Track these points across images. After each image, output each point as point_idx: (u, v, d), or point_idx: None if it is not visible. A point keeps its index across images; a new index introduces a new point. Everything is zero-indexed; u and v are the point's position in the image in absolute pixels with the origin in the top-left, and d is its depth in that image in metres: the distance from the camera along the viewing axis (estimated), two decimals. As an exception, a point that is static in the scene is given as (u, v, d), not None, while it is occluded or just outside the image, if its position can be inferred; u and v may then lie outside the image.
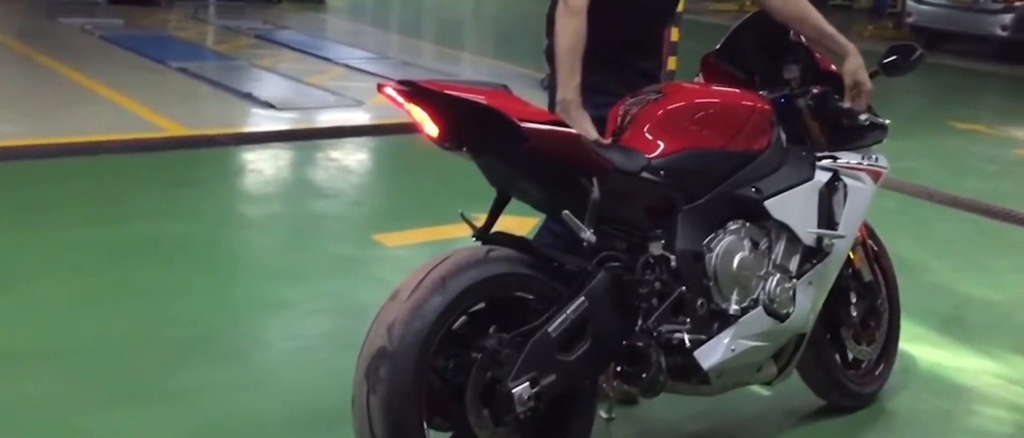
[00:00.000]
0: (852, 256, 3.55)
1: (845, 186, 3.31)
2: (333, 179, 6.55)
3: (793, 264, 3.16)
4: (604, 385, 2.90)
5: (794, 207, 3.15)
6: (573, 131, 2.70)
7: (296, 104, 8.43)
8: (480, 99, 2.53)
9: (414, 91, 2.56)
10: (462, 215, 2.81)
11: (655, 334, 2.83)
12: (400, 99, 2.57)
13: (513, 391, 2.53)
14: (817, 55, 3.45)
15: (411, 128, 2.68)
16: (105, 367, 3.64)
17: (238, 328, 4.12)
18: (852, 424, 3.66)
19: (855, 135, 3.42)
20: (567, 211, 2.65)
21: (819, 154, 3.32)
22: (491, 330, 2.62)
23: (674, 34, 7.70)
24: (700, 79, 3.50)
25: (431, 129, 2.60)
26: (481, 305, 2.65)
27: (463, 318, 2.62)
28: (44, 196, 5.58)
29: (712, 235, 3.01)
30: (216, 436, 3.29)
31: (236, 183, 6.44)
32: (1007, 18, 14.73)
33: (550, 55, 3.21)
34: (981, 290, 5.20)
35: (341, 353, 3.28)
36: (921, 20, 15.72)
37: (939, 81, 12.87)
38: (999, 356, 4.32)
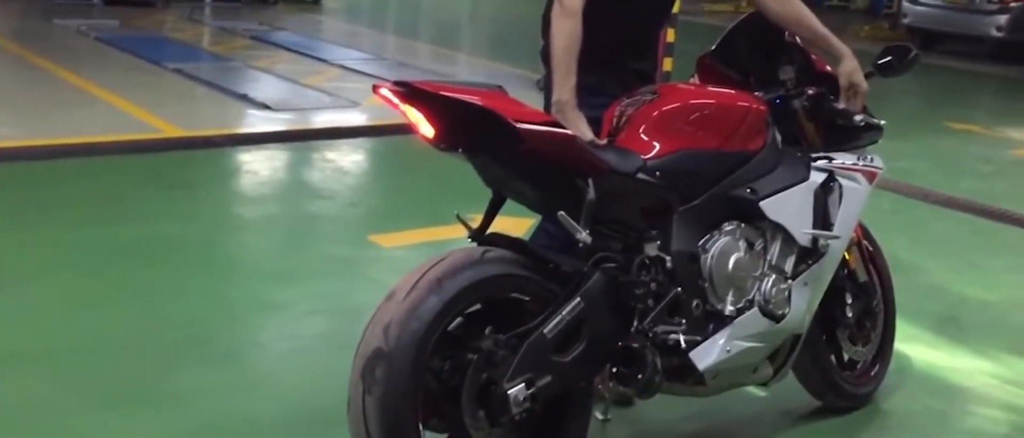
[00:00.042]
0: (847, 257, 3.55)
1: (840, 187, 3.31)
2: (329, 180, 6.55)
3: (789, 265, 3.16)
4: (600, 386, 2.90)
5: (789, 208, 3.16)
6: (569, 132, 2.70)
7: (292, 105, 8.43)
8: (476, 100, 2.53)
9: (410, 92, 2.56)
10: (458, 216, 2.81)
11: (651, 335, 2.84)
12: (395, 100, 2.57)
13: (509, 392, 2.54)
14: (812, 56, 3.46)
15: (407, 129, 2.68)
16: (101, 368, 3.64)
17: (234, 329, 4.11)
18: (848, 425, 3.66)
19: (850, 136, 3.42)
20: (563, 212, 2.65)
21: (814, 155, 3.33)
22: (487, 331, 2.62)
23: (670, 35, 7.71)
24: (695, 80, 3.50)
25: (427, 130, 2.60)
26: (477, 306, 2.65)
27: (459, 319, 2.62)
28: (40, 197, 5.58)
29: (708, 236, 3.01)
30: (212, 437, 3.28)
31: (232, 184, 6.44)
32: (1002, 19, 14.76)
33: (546, 56, 3.21)
34: (976, 290, 5.21)
35: (337, 354, 3.28)
36: (917, 21, 15.75)
37: (934, 82, 12.89)
38: (994, 356, 4.33)
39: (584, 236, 2.66)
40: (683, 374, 2.95)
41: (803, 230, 3.17)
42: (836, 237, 3.26)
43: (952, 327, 4.65)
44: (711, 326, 2.99)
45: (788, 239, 3.16)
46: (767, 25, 3.39)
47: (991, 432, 3.73)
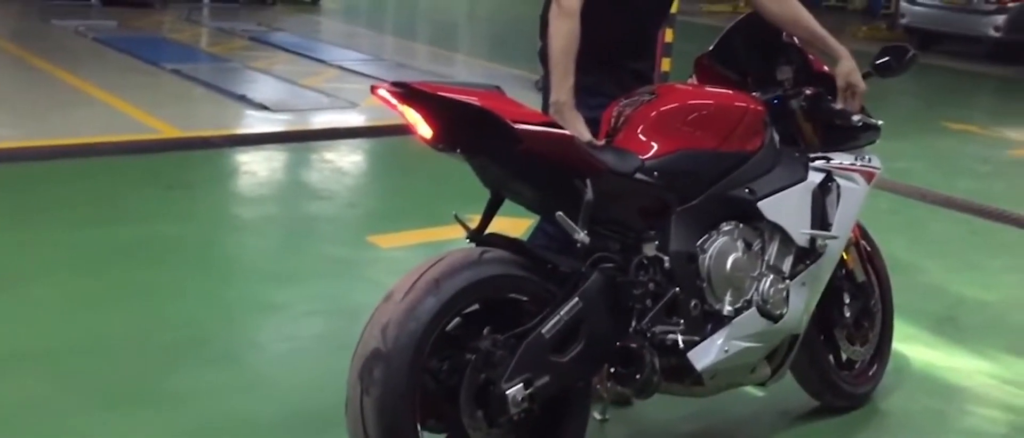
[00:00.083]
0: (845, 257, 3.55)
1: (838, 187, 3.31)
2: (327, 181, 6.54)
3: (786, 265, 3.16)
4: (598, 386, 2.90)
5: (787, 208, 3.16)
6: (566, 132, 2.70)
7: (290, 106, 8.42)
8: (474, 101, 2.53)
9: (408, 93, 2.56)
10: (456, 217, 2.81)
11: (649, 335, 2.84)
12: (393, 101, 2.57)
13: (507, 392, 2.54)
14: (810, 56, 3.46)
15: (405, 130, 2.68)
16: (100, 368, 3.64)
17: (232, 330, 4.11)
18: (846, 425, 3.66)
19: (848, 136, 3.43)
20: (561, 212, 2.65)
21: (812, 155, 3.33)
22: (485, 331, 2.62)
23: (668, 35, 7.72)
24: (693, 80, 3.50)
25: (425, 131, 2.60)
26: (475, 306, 2.65)
27: (457, 319, 2.62)
28: (38, 198, 5.57)
29: (705, 236, 3.01)
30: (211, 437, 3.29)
31: (230, 185, 6.43)
32: (1000, 19, 14.78)
33: (544, 57, 3.22)
34: (974, 290, 5.21)
35: (335, 355, 3.28)
36: (914, 21, 15.77)
37: (932, 82, 12.90)
38: (992, 356, 4.33)
39: (582, 236, 2.66)
40: (681, 374, 2.95)
41: (801, 230, 3.18)
42: (834, 237, 3.26)
43: (950, 327, 4.65)
44: (709, 326, 2.99)
45: (786, 239, 3.16)
46: (765, 25, 3.39)
47: (989, 432, 3.74)
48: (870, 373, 3.78)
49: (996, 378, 4.13)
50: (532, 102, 2.91)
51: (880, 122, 3.49)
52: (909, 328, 4.36)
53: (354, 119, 8.19)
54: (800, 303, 3.19)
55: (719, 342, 2.98)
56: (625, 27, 3.34)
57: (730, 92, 3.23)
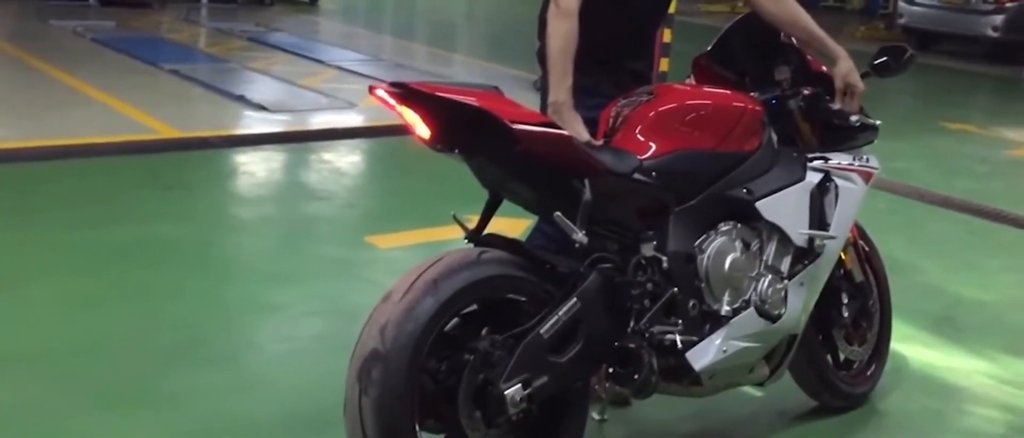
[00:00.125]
0: (843, 257, 3.55)
1: (836, 187, 3.31)
2: (326, 181, 6.54)
3: (784, 265, 3.17)
4: (596, 386, 2.90)
5: (785, 208, 3.16)
6: (565, 133, 2.70)
7: (289, 106, 8.42)
8: (472, 101, 2.53)
9: (406, 93, 2.56)
10: (454, 217, 2.81)
11: (647, 335, 2.84)
12: (392, 101, 2.57)
13: (505, 392, 2.54)
14: (808, 56, 3.46)
15: (403, 130, 2.68)
16: (98, 369, 3.64)
17: (230, 331, 4.11)
18: (844, 425, 3.67)
19: (846, 136, 3.43)
20: (559, 213, 2.65)
21: (810, 155, 3.33)
22: (483, 332, 2.62)
23: (666, 35, 7.72)
24: (691, 80, 3.50)
25: (423, 131, 2.60)
26: (473, 307, 2.65)
27: (455, 320, 2.62)
28: (36, 198, 5.57)
29: (704, 236, 3.01)
30: (209, 438, 3.29)
31: (228, 185, 6.43)
32: (998, 19, 14.80)
33: (542, 57, 3.22)
34: (972, 290, 5.22)
35: (333, 355, 3.28)
36: (912, 21, 15.78)
37: (930, 82, 12.91)
38: (990, 356, 4.34)
39: (580, 237, 2.66)
40: (679, 374, 2.96)
41: (799, 230, 3.18)
42: (832, 237, 3.26)
43: (948, 327, 4.65)
44: (707, 326, 2.99)
45: (784, 239, 3.16)
46: (763, 26, 3.39)
47: (987, 432, 3.74)
48: (868, 373, 3.79)
49: (994, 378, 4.13)
50: (530, 102, 2.91)
51: (878, 122, 3.50)
52: (907, 328, 4.36)
53: (352, 119, 8.19)
54: (798, 303, 3.19)
55: (717, 342, 2.98)
56: (623, 27, 3.34)
57: (728, 92, 3.23)
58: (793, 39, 3.44)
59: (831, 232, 3.26)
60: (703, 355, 2.95)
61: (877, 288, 3.79)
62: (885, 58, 3.47)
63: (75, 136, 6.89)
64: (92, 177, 6.11)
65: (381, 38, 14.28)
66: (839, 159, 3.37)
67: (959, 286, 5.27)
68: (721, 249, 3.02)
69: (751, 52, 3.46)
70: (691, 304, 2.95)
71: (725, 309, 3.02)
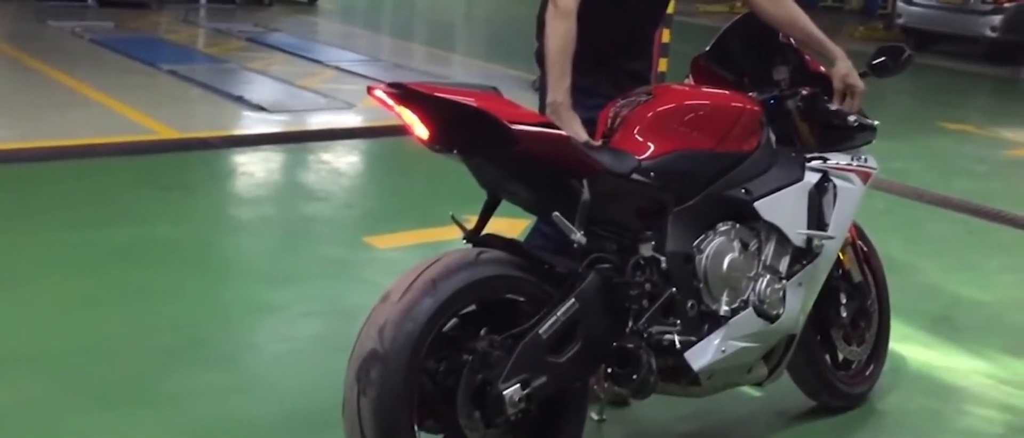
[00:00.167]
0: (842, 257, 3.56)
1: (834, 187, 3.31)
2: (324, 182, 6.54)
3: (783, 265, 3.17)
4: (595, 387, 2.90)
5: (784, 208, 3.16)
6: (563, 133, 2.70)
7: (287, 107, 8.42)
8: (470, 101, 2.53)
9: (404, 93, 2.56)
10: (453, 217, 2.81)
11: (645, 335, 2.84)
12: (390, 102, 2.58)
13: (504, 393, 2.54)
14: (806, 56, 3.46)
15: (402, 130, 2.68)
16: (97, 370, 3.64)
17: (229, 331, 4.11)
18: (842, 424, 3.67)
19: (844, 136, 3.43)
20: (557, 213, 2.65)
21: (809, 155, 3.33)
22: (482, 332, 2.62)
23: (665, 36, 7.72)
24: (690, 81, 3.51)
25: (421, 131, 2.60)
26: (472, 307, 2.66)
27: (454, 320, 2.62)
28: (35, 199, 5.57)
29: (702, 236, 3.01)
30: (207, 439, 3.29)
31: (227, 186, 6.43)
32: (996, 19, 14.78)
33: (540, 57, 3.22)
34: (971, 290, 5.22)
35: (332, 356, 3.28)
36: (911, 21, 15.78)
37: (929, 82, 12.91)
38: (989, 356, 4.34)
39: (579, 237, 2.66)
40: (678, 374, 2.96)
41: (797, 230, 3.18)
42: (830, 237, 3.26)
43: (947, 327, 4.66)
44: (706, 326, 2.99)
45: (782, 239, 3.16)
46: (761, 26, 3.39)
47: (986, 432, 3.74)
48: (867, 373, 3.79)
49: (992, 378, 4.13)
50: (529, 103, 2.92)
51: (876, 122, 3.50)
52: (906, 328, 4.37)
53: (351, 120, 8.19)
54: (797, 303, 3.19)
55: (716, 342, 2.99)
56: (621, 28, 3.34)
57: (727, 92, 3.23)
58: (791, 40, 3.44)
59: (829, 232, 3.26)
60: (701, 355, 2.95)
61: (875, 288, 3.79)
62: (883, 58, 3.48)
63: (74, 137, 6.88)
64: (91, 178, 6.11)
65: (379, 38, 14.28)
66: (837, 159, 3.38)
67: (957, 286, 5.27)
68: (719, 249, 3.02)
69: (749, 52, 3.46)
70: (689, 304, 2.95)
71: (723, 309, 3.03)
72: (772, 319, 3.10)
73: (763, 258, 3.13)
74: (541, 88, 3.28)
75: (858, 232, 3.73)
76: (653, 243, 2.90)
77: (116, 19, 12.61)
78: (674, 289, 2.91)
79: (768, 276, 3.11)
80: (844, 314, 3.60)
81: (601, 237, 2.88)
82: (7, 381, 3.52)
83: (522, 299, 2.69)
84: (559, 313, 2.65)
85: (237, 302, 4.40)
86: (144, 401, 3.45)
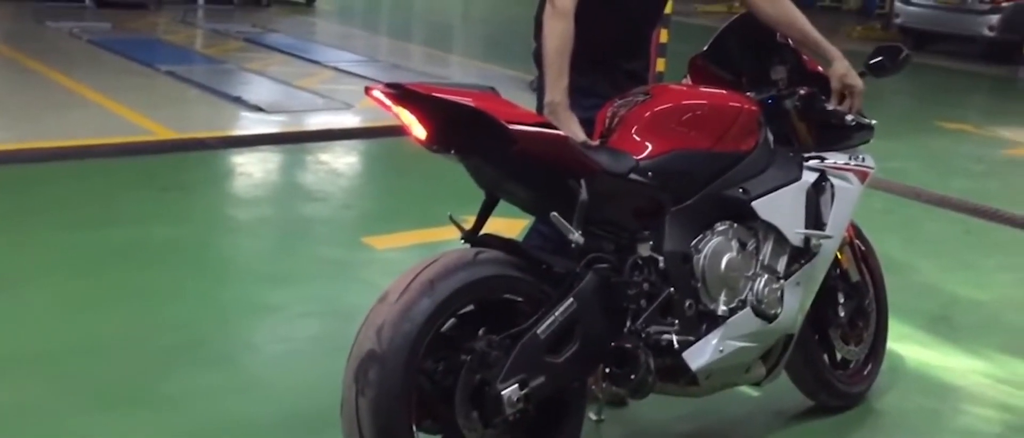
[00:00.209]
0: (840, 256, 3.56)
1: (832, 186, 3.32)
2: (322, 182, 6.54)
3: (781, 265, 3.17)
4: (593, 387, 2.90)
5: (782, 208, 3.16)
6: (561, 133, 2.71)
7: (285, 107, 8.42)
8: (468, 101, 2.54)
9: (402, 94, 2.56)
10: (451, 218, 2.81)
11: (643, 335, 2.84)
12: (388, 102, 2.58)
13: (502, 393, 2.54)
14: (804, 56, 3.47)
15: (400, 131, 2.68)
16: (96, 370, 3.64)
17: (227, 332, 4.11)
18: (840, 424, 3.67)
19: (842, 135, 3.43)
20: (555, 213, 2.65)
21: (806, 155, 3.33)
22: (480, 332, 2.62)
23: (663, 36, 7.73)
24: (688, 80, 3.51)
25: (419, 132, 2.60)
26: (470, 307, 2.66)
27: (452, 320, 2.62)
28: (33, 200, 5.57)
29: (700, 236, 3.02)
30: (206, 440, 3.29)
31: (225, 187, 6.43)
32: (994, 18, 14.80)
33: (538, 58, 3.22)
34: (969, 290, 5.22)
35: (330, 356, 3.28)
36: (909, 21, 15.79)
37: (926, 81, 12.92)
38: (987, 355, 4.34)
39: (577, 237, 2.66)
40: (676, 374, 2.96)
41: (795, 230, 3.18)
42: (828, 237, 3.27)
43: (945, 326, 4.66)
44: (704, 326, 3.00)
45: (780, 239, 3.16)
46: (759, 26, 3.39)
47: (984, 431, 3.74)
48: (865, 372, 3.79)
49: (990, 377, 4.14)
50: (527, 103, 2.92)
51: (874, 122, 3.50)
52: (903, 327, 4.37)
53: (349, 120, 8.19)
54: (795, 303, 3.19)
55: (714, 342, 2.99)
56: (619, 28, 3.34)
57: (724, 92, 3.24)
58: (789, 40, 3.44)
59: (827, 231, 3.27)
60: (700, 355, 2.95)
61: (873, 287, 3.79)
62: (881, 58, 3.48)
63: (72, 138, 6.88)
64: (89, 178, 6.11)
65: (377, 39, 14.28)
66: (835, 158, 3.38)
67: (955, 285, 5.27)
68: (717, 249, 3.02)
69: (747, 52, 3.47)
70: (687, 304, 2.96)
71: (721, 309, 3.03)
72: (770, 319, 3.10)
73: (761, 258, 3.14)
74: (539, 88, 3.28)
75: (856, 231, 3.73)
76: (651, 243, 2.90)
77: (114, 20, 12.61)
78: (672, 289, 2.92)
79: (766, 276, 3.11)
80: (842, 314, 3.60)
81: (599, 237, 2.88)
82: (6, 381, 3.52)
83: (520, 299, 2.69)
84: (557, 313, 2.65)
85: (235, 303, 4.40)
86: (143, 401, 3.45)
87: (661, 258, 2.90)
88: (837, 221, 3.31)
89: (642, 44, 3.54)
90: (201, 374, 3.67)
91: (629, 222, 2.94)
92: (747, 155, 3.12)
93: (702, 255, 2.99)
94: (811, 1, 20.38)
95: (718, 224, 3.06)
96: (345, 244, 5.27)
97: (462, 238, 2.79)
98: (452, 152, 2.67)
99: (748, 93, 3.30)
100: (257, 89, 9.06)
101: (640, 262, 2.88)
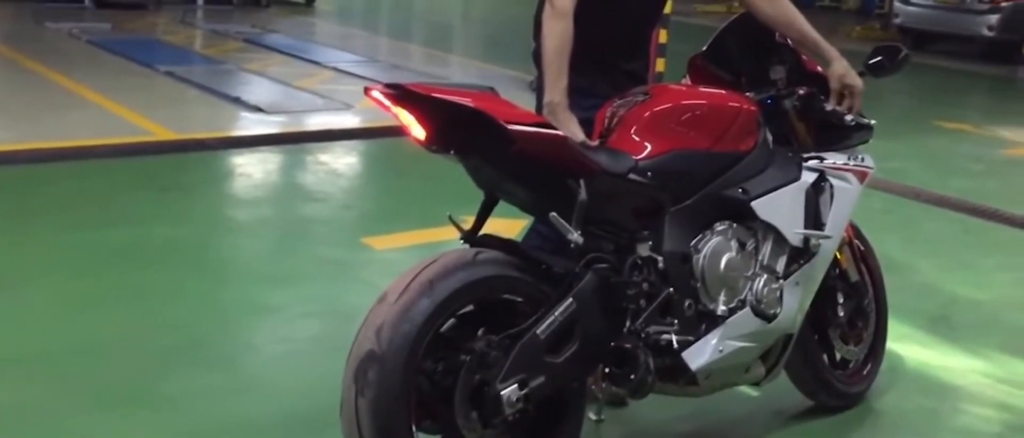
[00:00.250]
0: (839, 256, 3.56)
1: (831, 186, 3.32)
2: (322, 183, 6.54)
3: (780, 265, 3.17)
4: (593, 386, 2.91)
5: (781, 208, 3.16)
6: (560, 133, 2.71)
7: (285, 108, 8.42)
8: (467, 102, 2.54)
9: (401, 94, 2.56)
10: (450, 218, 2.81)
11: (643, 335, 2.84)
12: (387, 102, 2.58)
13: (502, 393, 2.54)
14: (803, 56, 3.47)
15: (399, 131, 2.68)
16: (96, 371, 3.64)
17: (227, 332, 4.11)
18: (840, 424, 3.67)
19: (841, 135, 3.44)
20: (554, 213, 2.65)
21: (805, 155, 3.33)
22: (479, 332, 2.62)
23: (662, 36, 7.73)
24: (687, 80, 3.51)
25: (418, 132, 2.60)
26: (469, 307, 2.66)
27: (451, 321, 2.62)
28: (33, 201, 5.57)
29: (699, 236, 3.02)
30: (206, 440, 3.29)
31: (225, 187, 6.43)
32: (993, 18, 14.82)
33: (537, 58, 3.22)
34: (968, 289, 5.23)
35: (330, 356, 3.29)
36: (908, 21, 15.80)
37: (925, 81, 12.93)
38: (986, 355, 4.34)
39: (576, 237, 2.66)
40: (676, 374, 2.96)
41: (794, 230, 3.18)
42: (827, 237, 3.27)
43: (944, 326, 4.66)
44: (703, 326, 3.00)
45: (780, 239, 3.16)
46: (758, 26, 3.39)
47: (983, 431, 3.74)
48: (864, 372, 3.79)
49: (990, 377, 4.14)
50: (526, 103, 2.92)
51: (873, 121, 3.51)
52: (903, 327, 4.37)
53: (348, 121, 8.19)
54: (794, 303, 3.19)
55: (713, 342, 2.99)
56: (618, 28, 3.35)
57: (723, 92, 3.24)
58: (788, 40, 3.44)
59: (826, 231, 3.27)
60: (699, 355, 2.96)
61: (873, 287, 3.80)
62: (880, 58, 3.48)
63: (71, 138, 6.88)
64: (89, 179, 6.11)
65: (377, 39, 14.29)
66: (834, 159, 3.38)
67: (954, 285, 5.28)
68: (717, 249, 3.02)
69: (746, 52, 3.47)
70: (687, 304, 2.96)
71: (721, 309, 3.03)
72: (769, 319, 3.10)
73: (760, 258, 3.14)
74: (538, 88, 3.28)
75: (855, 231, 3.74)
76: (650, 243, 2.90)
77: (113, 20, 12.62)
78: (671, 289, 2.92)
79: (765, 276, 3.11)
80: (841, 313, 3.60)
81: (598, 237, 2.88)
82: (6, 382, 3.52)
83: (519, 299, 2.69)
84: (556, 313, 2.65)
85: (235, 303, 4.40)
86: (143, 402, 3.45)
87: (660, 258, 2.91)
88: (836, 221, 3.32)
89: (641, 44, 3.54)
90: (201, 374, 3.67)
91: (628, 222, 2.94)
92: (746, 155, 3.12)
93: (701, 255, 2.99)
94: (810, 1, 20.39)
95: (717, 224, 3.06)
96: (345, 244, 5.27)
97: (461, 238, 2.79)
98: (451, 152, 2.68)
99: (747, 93, 3.31)
100: (257, 89, 9.06)
101: (639, 262, 2.88)
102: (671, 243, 2.94)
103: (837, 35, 15.72)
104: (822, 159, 3.35)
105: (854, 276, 3.68)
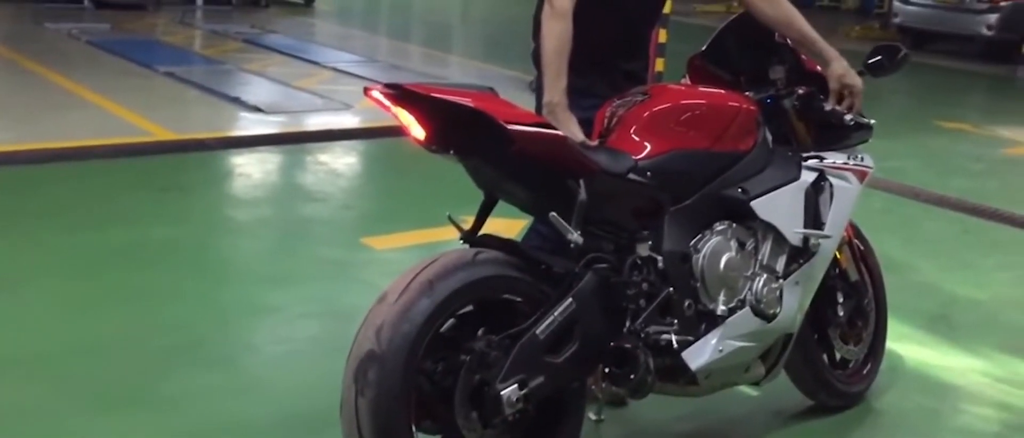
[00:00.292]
0: (838, 256, 3.56)
1: (831, 186, 3.32)
2: (321, 183, 6.54)
3: (780, 264, 3.17)
4: (593, 386, 2.91)
5: (780, 207, 3.16)
6: (559, 133, 2.71)
7: (284, 108, 8.42)
8: (467, 102, 2.54)
9: (401, 94, 2.57)
10: (450, 218, 2.81)
11: (643, 335, 2.84)
12: (387, 102, 2.58)
13: (501, 393, 2.54)
14: (802, 56, 3.47)
15: (399, 131, 2.69)
16: (95, 372, 3.64)
17: (226, 333, 4.11)
18: (840, 423, 3.67)
19: (841, 135, 3.43)
20: (554, 213, 2.65)
21: (805, 154, 3.33)
22: (479, 332, 2.62)
23: (661, 36, 7.73)
24: (686, 80, 3.51)
25: (418, 132, 2.60)
26: (469, 307, 2.66)
27: (451, 321, 2.63)
28: (32, 201, 5.57)
29: (699, 236, 3.02)
30: (206, 441, 3.29)
31: (224, 187, 6.43)
32: (992, 18, 14.81)
33: (537, 58, 3.22)
34: (967, 289, 5.23)
35: (330, 357, 3.29)
36: (907, 20, 15.80)
37: (925, 81, 12.93)
38: (985, 354, 4.35)
39: (575, 237, 2.66)
40: (676, 374, 2.96)
41: (794, 229, 3.18)
42: (827, 236, 3.27)
43: (943, 325, 4.66)
44: (703, 326, 3.00)
45: (779, 238, 3.16)
46: (757, 25, 3.39)
47: (983, 430, 3.74)
48: (864, 372, 3.79)
49: (989, 376, 4.14)
50: (526, 103, 2.92)
51: (873, 121, 3.50)
52: (902, 327, 4.37)
53: (348, 121, 8.19)
54: (794, 302, 3.19)
55: (713, 342, 2.99)
56: (618, 28, 3.35)
57: (723, 92, 3.24)
58: (787, 39, 3.44)
59: (826, 231, 3.27)
60: (699, 355, 2.96)
61: (872, 287, 3.80)
62: (879, 57, 3.48)
63: (71, 139, 6.88)
64: (88, 180, 6.11)
65: (376, 39, 14.28)
66: (834, 158, 3.38)
67: (954, 285, 5.28)
68: (716, 249, 3.02)
69: (746, 52, 3.47)
70: (687, 304, 2.96)
71: (721, 309, 3.03)
72: (769, 318, 3.10)
73: (760, 257, 3.14)
74: (538, 88, 3.28)
75: (855, 231, 3.74)
76: (650, 243, 2.90)
77: (112, 21, 12.62)
78: (671, 289, 2.92)
79: (765, 275, 3.11)
80: (841, 313, 3.60)
81: (598, 237, 2.88)
82: (6, 382, 3.52)
83: (519, 299, 2.69)
84: (556, 313, 2.65)
85: (235, 303, 4.40)
86: (142, 402, 3.45)
87: (660, 258, 2.91)
88: (836, 220, 3.32)
89: (640, 44, 3.54)
90: (201, 375, 3.67)
91: (628, 222, 2.94)
92: (746, 155, 3.12)
93: (701, 255, 2.99)
94: (809, 1, 20.39)
95: (717, 224, 3.06)
96: (344, 244, 5.27)
97: (461, 238, 2.79)
98: (451, 152, 2.68)
99: (747, 93, 3.31)
100: (256, 90, 9.06)
101: (639, 262, 2.88)
102: (671, 243, 2.94)
103: (836, 35, 15.72)
104: (822, 159, 3.35)
105: (854, 276, 3.68)
